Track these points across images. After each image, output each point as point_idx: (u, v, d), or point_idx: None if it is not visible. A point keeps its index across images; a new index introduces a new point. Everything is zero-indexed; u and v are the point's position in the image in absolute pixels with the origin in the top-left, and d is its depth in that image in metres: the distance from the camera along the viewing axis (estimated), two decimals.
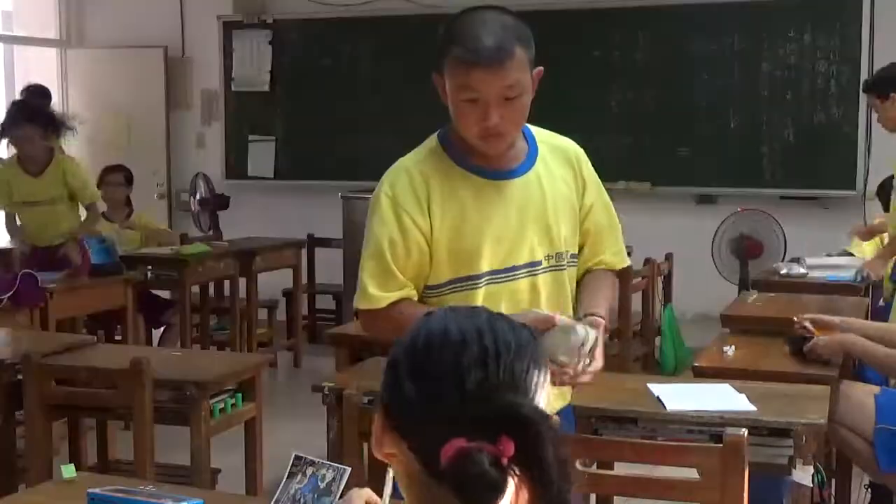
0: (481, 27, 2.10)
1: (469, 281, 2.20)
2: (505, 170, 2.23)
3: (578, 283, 2.37)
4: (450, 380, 1.14)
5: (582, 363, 2.05)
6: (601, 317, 2.25)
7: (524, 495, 1.12)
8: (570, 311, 2.29)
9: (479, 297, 2.19)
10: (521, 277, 2.23)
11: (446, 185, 2.20)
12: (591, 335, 2.07)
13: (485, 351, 1.16)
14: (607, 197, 2.41)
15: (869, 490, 3.88)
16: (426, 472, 1.14)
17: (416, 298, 2.23)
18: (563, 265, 2.29)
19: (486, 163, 2.22)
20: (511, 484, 1.10)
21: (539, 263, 2.25)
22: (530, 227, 2.23)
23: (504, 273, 2.21)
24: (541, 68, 2.17)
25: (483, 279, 2.20)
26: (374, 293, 2.20)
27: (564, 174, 2.31)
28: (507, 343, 1.18)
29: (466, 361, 1.15)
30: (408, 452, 1.17)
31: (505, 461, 1.09)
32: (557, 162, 2.31)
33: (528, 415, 1.12)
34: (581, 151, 2.37)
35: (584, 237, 2.35)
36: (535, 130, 2.32)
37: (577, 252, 2.34)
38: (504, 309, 2.11)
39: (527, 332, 1.22)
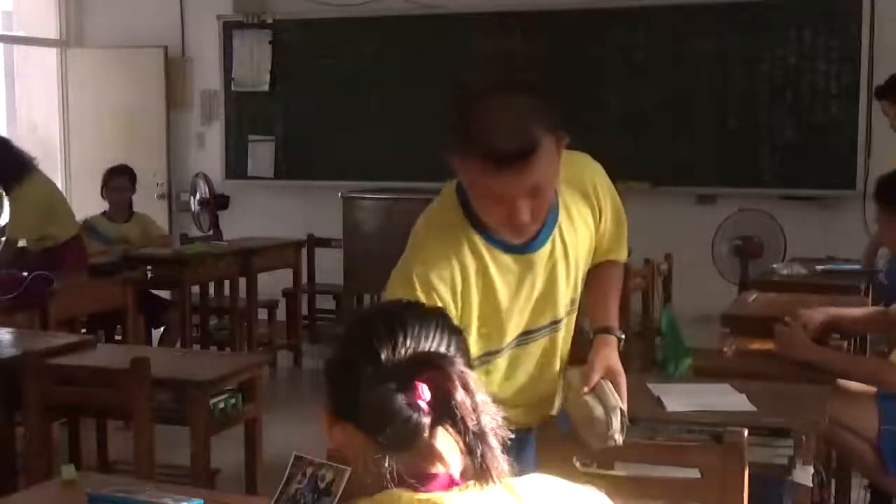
0: (501, 123, 1.86)
1: (493, 354, 2.17)
2: (529, 241, 2.09)
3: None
4: (364, 354, 1.27)
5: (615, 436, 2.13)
6: (613, 331, 2.26)
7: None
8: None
9: (503, 363, 2.18)
10: (543, 336, 2.22)
11: (478, 268, 2.06)
12: (614, 422, 2.12)
13: (392, 326, 1.29)
14: (618, 199, 2.31)
15: (868, 491, 3.88)
16: (371, 445, 1.25)
17: None
18: (577, 307, 2.27)
19: (512, 237, 2.06)
20: (447, 436, 1.24)
21: (561, 320, 2.23)
22: (557, 291, 2.18)
23: (526, 336, 2.19)
24: (566, 137, 1.97)
25: (505, 350, 2.17)
26: None
27: (583, 215, 2.20)
28: (411, 315, 1.32)
29: (375, 339, 1.28)
30: (354, 433, 1.28)
31: (423, 404, 1.23)
32: (576, 201, 2.18)
33: (429, 358, 1.26)
34: (594, 170, 2.24)
35: (595, 249, 2.30)
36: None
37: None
38: (524, 367, 2.21)
39: (434, 310, 1.40)
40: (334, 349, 1.35)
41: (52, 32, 8.66)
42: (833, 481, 3.68)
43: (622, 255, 2.40)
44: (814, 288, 4.96)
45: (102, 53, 8.52)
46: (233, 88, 8.20)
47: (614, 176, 2.31)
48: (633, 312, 5.65)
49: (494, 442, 1.23)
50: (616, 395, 2.16)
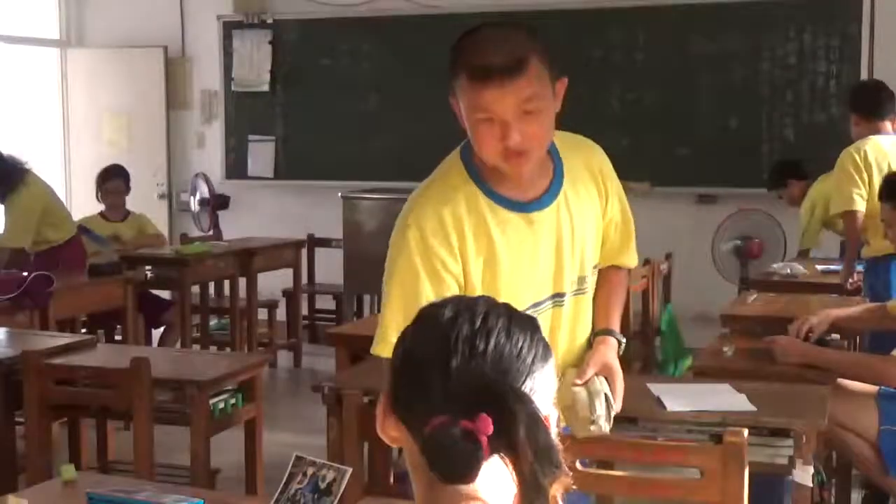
0: (489, 43, 1.99)
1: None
2: (533, 200, 2.12)
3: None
4: (436, 359, 1.15)
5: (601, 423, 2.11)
6: (614, 333, 2.26)
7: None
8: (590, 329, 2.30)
9: None
10: (546, 310, 2.18)
11: (477, 225, 2.08)
12: (598, 407, 2.11)
13: (474, 331, 1.16)
14: (624, 197, 2.33)
15: (865, 492, 3.89)
16: (420, 457, 1.15)
17: None
18: (585, 288, 2.25)
19: (513, 192, 2.10)
20: (505, 469, 1.12)
21: (564, 295, 2.21)
22: (562, 261, 2.17)
23: (531, 308, 2.15)
24: (565, 78, 2.06)
25: None
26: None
27: (590, 192, 2.22)
28: (500, 324, 1.18)
29: (454, 340, 1.16)
30: (407, 435, 1.18)
31: (483, 438, 1.10)
32: (583, 178, 2.20)
33: (502, 392, 1.13)
34: (602, 157, 2.27)
35: (602, 243, 2.30)
36: (558, 140, 2.17)
37: (597, 262, 2.29)
38: None
39: (530, 320, 1.23)
40: (408, 337, 1.22)
41: (52, 32, 8.66)
42: (833, 481, 3.68)
43: (630, 262, 2.39)
44: (814, 288, 4.96)
45: (102, 53, 8.52)
46: (233, 88, 8.19)
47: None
48: (634, 312, 5.65)
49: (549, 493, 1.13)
50: (605, 384, 2.15)
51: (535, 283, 2.16)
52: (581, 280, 2.23)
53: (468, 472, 1.11)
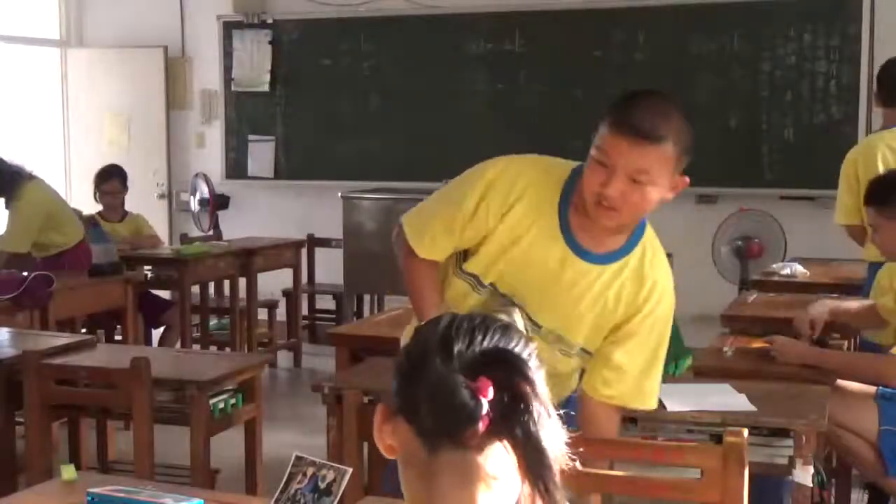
0: (647, 107, 2.12)
1: (479, 284, 2.29)
2: (586, 251, 2.23)
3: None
4: (439, 348, 1.17)
5: None
6: None
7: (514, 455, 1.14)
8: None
9: (474, 299, 2.29)
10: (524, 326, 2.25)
11: (536, 221, 2.22)
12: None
13: (474, 326, 1.20)
14: (660, 348, 2.32)
15: (866, 491, 3.88)
16: (422, 445, 1.16)
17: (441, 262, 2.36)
18: (569, 351, 2.30)
19: (579, 234, 2.21)
20: (503, 453, 1.13)
21: (541, 328, 2.28)
22: (556, 301, 2.24)
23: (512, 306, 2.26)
24: (687, 179, 2.17)
25: (486, 291, 2.28)
26: (424, 243, 2.31)
27: (622, 293, 2.25)
28: (497, 324, 1.22)
29: (455, 331, 1.19)
30: (406, 430, 1.18)
31: (485, 402, 1.12)
32: (632, 280, 2.25)
33: (504, 355, 1.16)
34: (663, 302, 2.27)
35: (603, 360, 2.30)
36: (649, 237, 2.26)
37: (585, 347, 2.31)
38: None
39: (525, 334, 1.27)
40: (410, 341, 1.25)
41: (52, 32, 8.66)
42: (833, 481, 3.68)
43: (636, 403, 2.35)
44: (814, 288, 4.96)
45: (102, 53, 8.52)
46: (233, 88, 8.19)
47: None
48: None
49: (555, 468, 1.13)
50: None
51: (529, 306, 2.24)
52: (559, 339, 2.28)
53: (465, 426, 1.12)
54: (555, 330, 2.28)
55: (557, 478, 1.13)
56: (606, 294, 2.24)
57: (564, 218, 2.21)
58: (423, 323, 1.27)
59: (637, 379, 2.31)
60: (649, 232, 2.28)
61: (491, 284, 2.27)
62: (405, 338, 2.51)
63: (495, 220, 2.22)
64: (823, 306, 3.66)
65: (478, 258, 2.27)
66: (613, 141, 2.07)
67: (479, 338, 1.18)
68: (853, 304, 3.82)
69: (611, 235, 2.21)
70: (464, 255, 2.32)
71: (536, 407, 1.13)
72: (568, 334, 2.28)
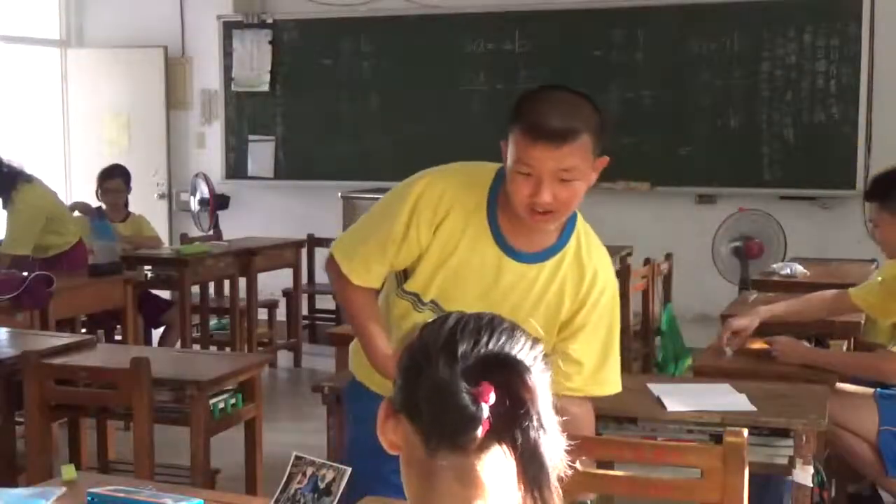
0: (552, 105, 2.09)
1: (419, 301, 2.30)
2: (519, 252, 2.23)
3: None
4: (444, 348, 1.17)
5: None
6: None
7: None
8: None
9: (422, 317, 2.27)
10: None
11: (466, 230, 2.22)
12: None
13: (480, 325, 1.19)
14: (612, 333, 2.33)
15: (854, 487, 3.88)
16: (422, 445, 1.16)
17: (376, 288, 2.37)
18: None
19: (513, 237, 2.22)
20: (506, 455, 1.12)
21: None
22: (501, 312, 2.21)
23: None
24: (606, 157, 2.15)
25: (427, 308, 2.28)
26: (357, 270, 2.30)
27: (565, 288, 2.26)
28: (505, 325, 1.21)
29: (460, 332, 1.18)
30: (408, 428, 1.18)
31: (486, 406, 1.11)
32: (572, 273, 2.26)
33: (507, 360, 1.15)
34: (606, 289, 2.29)
35: (561, 355, 2.27)
36: (582, 226, 2.28)
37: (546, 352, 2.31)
38: None
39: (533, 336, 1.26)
40: (415, 340, 1.24)
41: (52, 32, 8.66)
42: (833, 481, 3.68)
43: (597, 391, 2.34)
44: (814, 288, 4.95)
45: (102, 53, 8.52)
46: (233, 88, 8.20)
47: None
48: (633, 312, 5.66)
49: (553, 476, 1.13)
50: None
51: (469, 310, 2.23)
52: None
53: (465, 430, 1.12)
54: None
55: (554, 484, 1.13)
56: (548, 291, 2.25)
57: (494, 222, 2.22)
58: (423, 326, 1.26)
59: (595, 367, 2.32)
60: (580, 221, 2.29)
61: (432, 301, 2.28)
62: (352, 354, 2.50)
63: (427, 237, 2.22)
64: (756, 314, 3.62)
65: (415, 277, 2.28)
66: (532, 150, 2.06)
67: (485, 339, 1.17)
68: (795, 300, 3.74)
69: (543, 233, 2.22)
70: (404, 274, 2.32)
71: (537, 413, 1.13)
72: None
